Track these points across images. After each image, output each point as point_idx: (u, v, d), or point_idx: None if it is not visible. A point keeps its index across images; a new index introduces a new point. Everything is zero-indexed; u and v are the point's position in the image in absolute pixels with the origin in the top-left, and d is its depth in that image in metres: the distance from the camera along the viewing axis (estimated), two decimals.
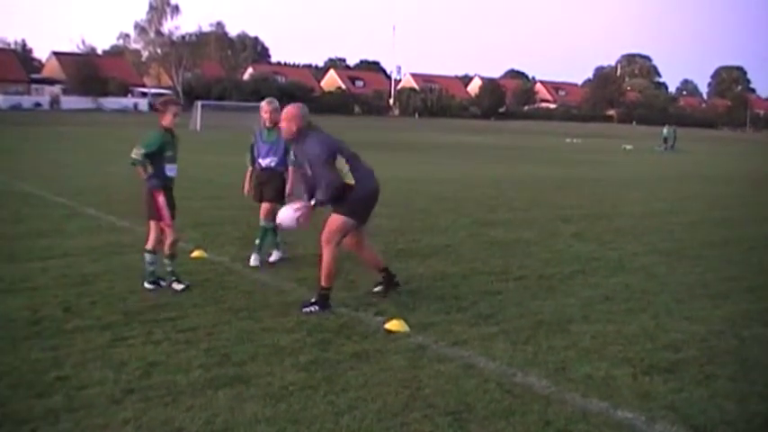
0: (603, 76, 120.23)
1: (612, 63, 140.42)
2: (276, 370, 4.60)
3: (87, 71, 76.03)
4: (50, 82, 79.55)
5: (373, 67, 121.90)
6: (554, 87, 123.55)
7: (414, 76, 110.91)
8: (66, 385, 4.25)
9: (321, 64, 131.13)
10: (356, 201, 6.08)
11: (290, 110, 6.15)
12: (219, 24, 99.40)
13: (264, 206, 7.60)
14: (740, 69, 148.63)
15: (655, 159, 33.22)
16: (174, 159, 6.53)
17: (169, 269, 6.55)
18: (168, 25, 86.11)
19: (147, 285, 6.48)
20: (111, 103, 72.49)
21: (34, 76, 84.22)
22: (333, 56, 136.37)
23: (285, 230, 6.45)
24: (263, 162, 7.60)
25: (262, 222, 7.62)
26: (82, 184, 14.12)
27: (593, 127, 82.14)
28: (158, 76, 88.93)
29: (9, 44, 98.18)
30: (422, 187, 15.89)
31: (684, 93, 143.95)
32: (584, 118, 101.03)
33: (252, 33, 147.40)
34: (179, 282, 6.50)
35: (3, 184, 13.78)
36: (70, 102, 70.05)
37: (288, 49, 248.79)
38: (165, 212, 6.44)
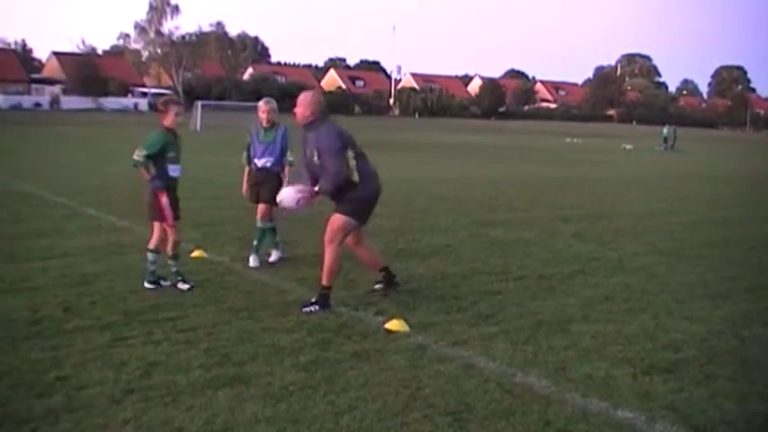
0: (603, 76, 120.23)
1: (612, 63, 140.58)
2: (276, 370, 4.60)
3: (87, 71, 76.05)
4: (50, 82, 79.58)
5: (373, 66, 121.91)
6: (554, 87, 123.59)
7: (414, 75, 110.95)
8: (67, 385, 4.25)
9: (321, 64, 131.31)
10: (358, 201, 6.09)
11: (307, 95, 6.15)
12: (219, 24, 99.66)
13: (261, 207, 7.58)
14: (740, 69, 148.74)
15: (655, 159, 33.21)
16: (176, 160, 6.50)
17: (174, 270, 6.54)
18: (168, 25, 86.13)
19: (146, 285, 6.47)
20: (111, 103, 72.51)
21: (34, 75, 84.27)
22: (333, 56, 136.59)
23: (284, 210, 6.39)
24: (259, 162, 7.57)
25: (259, 224, 7.60)
26: (82, 184, 14.11)
27: (594, 127, 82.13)
28: (158, 76, 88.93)
29: (9, 44, 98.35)
30: (422, 187, 15.89)
31: (684, 92, 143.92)
32: (585, 118, 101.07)
33: (252, 33, 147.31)
34: (184, 282, 6.50)
35: (3, 184, 13.78)
36: (70, 102, 70.07)
37: (288, 49, 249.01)
38: (168, 213, 6.43)
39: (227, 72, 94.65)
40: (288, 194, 6.08)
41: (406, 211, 11.67)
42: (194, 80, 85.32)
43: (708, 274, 7.85)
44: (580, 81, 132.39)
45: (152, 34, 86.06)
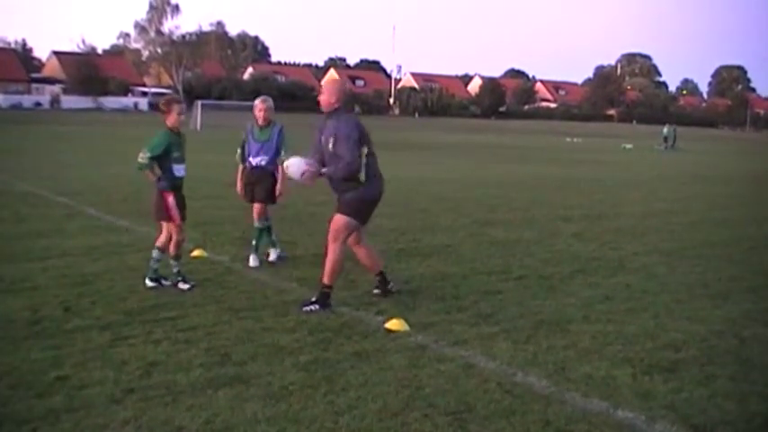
0: (604, 76, 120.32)
1: (613, 62, 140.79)
2: (276, 370, 4.60)
3: (87, 70, 76.10)
4: (51, 81, 79.65)
5: (373, 66, 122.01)
6: (554, 87, 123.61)
7: (414, 75, 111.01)
8: (67, 385, 4.25)
9: (321, 63, 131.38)
10: (361, 201, 6.09)
11: (335, 82, 6.23)
12: (220, 24, 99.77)
13: (256, 207, 7.56)
14: (740, 69, 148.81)
15: (655, 158, 33.20)
16: (181, 159, 6.49)
17: (175, 270, 6.54)
18: (168, 25, 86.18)
19: (148, 282, 6.48)
20: (111, 102, 72.55)
21: (34, 75, 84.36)
22: (333, 55, 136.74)
23: (287, 176, 6.37)
24: (254, 161, 7.53)
25: (256, 224, 7.59)
26: (82, 184, 14.11)
27: (594, 126, 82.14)
28: (158, 75, 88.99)
29: (9, 44, 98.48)
30: (422, 187, 15.88)
31: (684, 92, 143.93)
32: (585, 117, 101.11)
33: (252, 33, 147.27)
34: (185, 281, 6.50)
35: (3, 183, 13.77)
36: (70, 101, 70.12)
37: (288, 48, 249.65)
38: (175, 213, 6.44)
39: (227, 71, 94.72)
40: (295, 163, 6.07)
41: (406, 211, 11.67)
42: (194, 80, 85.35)
43: (708, 274, 7.85)
44: (580, 81, 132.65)
45: (152, 34, 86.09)
